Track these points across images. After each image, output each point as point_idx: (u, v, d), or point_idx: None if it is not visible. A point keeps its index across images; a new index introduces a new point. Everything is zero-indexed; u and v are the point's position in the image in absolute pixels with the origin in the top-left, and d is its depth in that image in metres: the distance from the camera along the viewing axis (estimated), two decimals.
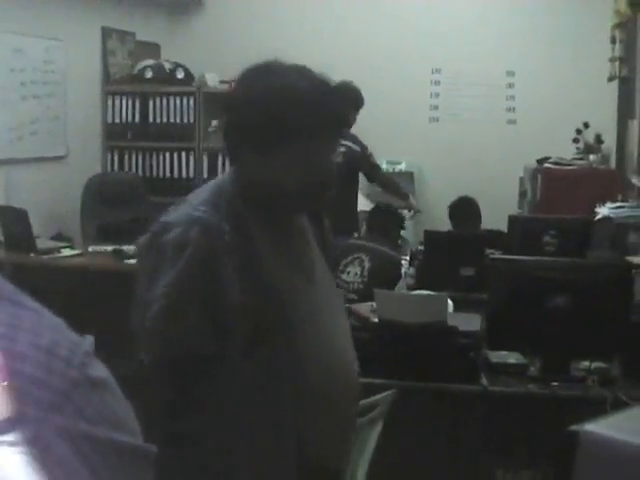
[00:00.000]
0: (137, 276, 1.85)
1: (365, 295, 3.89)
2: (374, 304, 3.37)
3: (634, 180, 5.75)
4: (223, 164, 6.70)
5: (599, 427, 1.31)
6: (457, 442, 3.12)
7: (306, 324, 1.87)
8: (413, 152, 7.12)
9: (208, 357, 1.78)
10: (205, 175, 6.71)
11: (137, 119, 6.85)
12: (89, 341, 0.75)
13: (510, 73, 7.12)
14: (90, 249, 5.41)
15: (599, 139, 6.34)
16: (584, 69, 6.77)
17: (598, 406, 2.74)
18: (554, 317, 3.09)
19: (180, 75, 6.87)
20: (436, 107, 7.18)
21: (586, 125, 6.37)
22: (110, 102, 6.83)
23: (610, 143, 6.47)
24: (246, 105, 1.86)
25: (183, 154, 6.80)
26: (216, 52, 7.05)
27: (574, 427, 1.31)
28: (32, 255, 5.12)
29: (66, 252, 5.28)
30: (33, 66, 5.94)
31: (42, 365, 0.69)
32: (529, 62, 7.01)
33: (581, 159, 6.30)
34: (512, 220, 4.78)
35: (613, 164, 6.51)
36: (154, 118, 6.83)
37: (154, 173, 6.80)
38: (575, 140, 6.45)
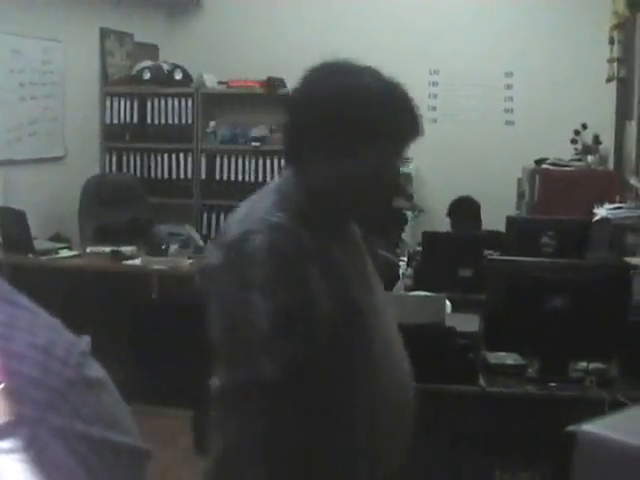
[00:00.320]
0: (215, 288, 1.74)
1: None
2: None
3: (632, 181, 5.75)
4: (221, 165, 6.72)
5: (597, 428, 1.31)
6: (455, 443, 3.11)
7: (377, 332, 1.82)
8: (411, 153, 7.09)
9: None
10: (203, 176, 6.72)
11: (135, 120, 6.85)
12: (85, 341, 0.75)
13: (508, 74, 7.11)
14: (88, 250, 5.41)
15: (597, 140, 6.34)
16: (582, 70, 6.77)
17: (596, 407, 2.73)
18: (552, 318, 3.08)
19: (178, 76, 6.87)
20: (434, 108, 7.17)
21: (584, 126, 6.38)
22: (108, 103, 6.83)
23: (608, 144, 6.47)
24: (315, 105, 1.76)
25: (181, 155, 6.79)
26: (214, 53, 7.04)
27: (572, 428, 1.31)
28: (30, 256, 5.13)
29: (64, 253, 5.29)
30: (31, 67, 5.93)
31: (39, 365, 0.69)
32: (527, 63, 7.01)
33: (579, 160, 6.31)
34: (510, 221, 4.77)
35: (611, 165, 6.51)
36: (152, 119, 6.83)
37: (152, 174, 6.79)
38: (573, 141, 6.45)
